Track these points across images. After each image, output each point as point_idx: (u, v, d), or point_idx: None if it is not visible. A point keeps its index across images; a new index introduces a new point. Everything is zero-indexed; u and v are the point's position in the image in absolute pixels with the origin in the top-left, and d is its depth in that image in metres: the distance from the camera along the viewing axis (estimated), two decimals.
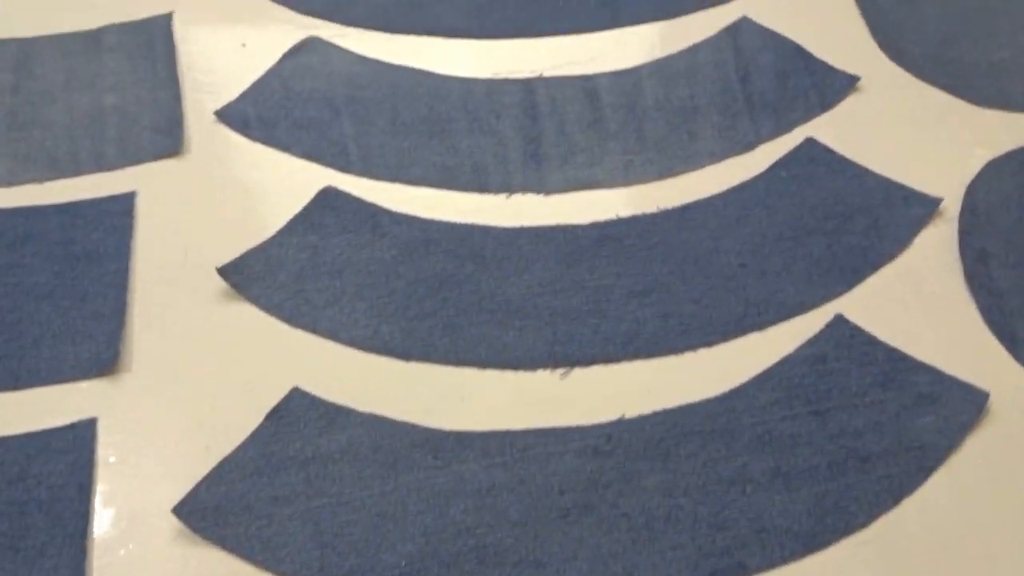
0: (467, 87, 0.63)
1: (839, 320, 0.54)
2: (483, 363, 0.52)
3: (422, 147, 0.60)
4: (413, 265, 0.56)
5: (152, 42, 0.65)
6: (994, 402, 0.50)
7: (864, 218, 0.58)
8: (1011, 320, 0.55)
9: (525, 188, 0.59)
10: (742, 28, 0.66)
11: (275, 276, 0.55)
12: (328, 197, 0.58)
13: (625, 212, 0.58)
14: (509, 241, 0.57)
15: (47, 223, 0.57)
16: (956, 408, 0.49)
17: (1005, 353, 0.53)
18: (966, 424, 0.49)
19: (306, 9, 0.67)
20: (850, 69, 0.64)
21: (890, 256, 0.57)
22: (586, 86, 0.63)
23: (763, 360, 0.53)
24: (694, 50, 0.66)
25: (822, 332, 0.54)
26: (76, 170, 0.59)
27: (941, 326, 0.54)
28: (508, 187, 0.59)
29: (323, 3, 0.67)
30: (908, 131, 0.62)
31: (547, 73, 0.64)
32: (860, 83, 0.64)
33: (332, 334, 0.53)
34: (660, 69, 0.64)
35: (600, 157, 0.60)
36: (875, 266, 0.56)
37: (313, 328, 0.53)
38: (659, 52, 0.66)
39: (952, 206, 0.58)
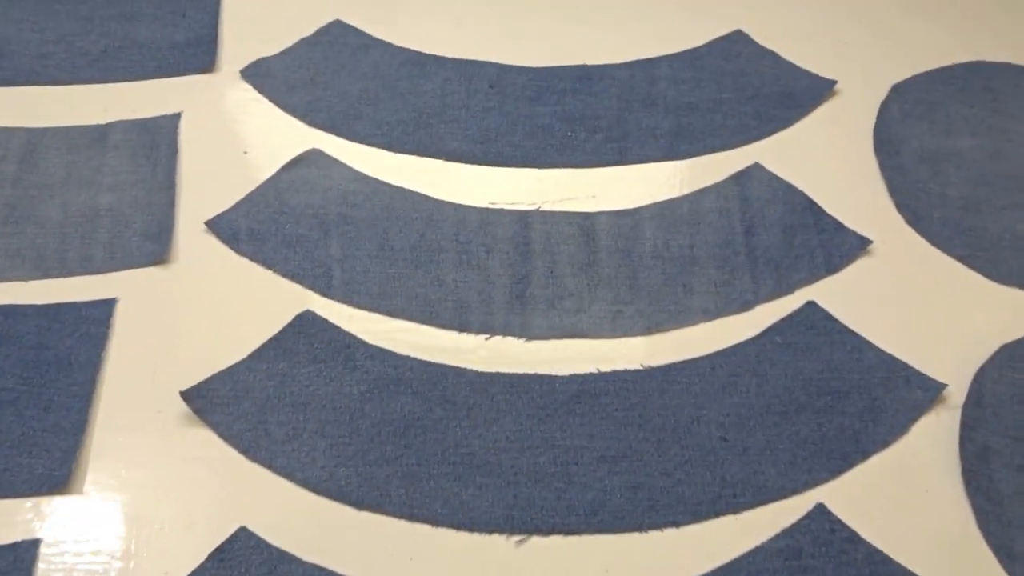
0: (462, 215, 0.62)
1: (820, 511, 0.51)
2: (437, 520, 0.50)
3: (407, 276, 0.59)
4: (381, 404, 0.55)
5: (156, 142, 0.66)
6: None
7: (860, 398, 0.55)
8: (1009, 531, 0.51)
9: (506, 331, 0.57)
10: (752, 176, 0.65)
11: (239, 404, 0.54)
12: (305, 322, 0.57)
13: (607, 367, 0.56)
14: (482, 388, 0.56)
15: (25, 324, 0.57)
16: None
17: (999, 568, 0.50)
18: None
19: (312, 121, 0.67)
20: (863, 229, 0.62)
21: (884, 443, 0.54)
22: (584, 224, 0.62)
23: (733, 548, 0.50)
24: (700, 195, 0.64)
25: (800, 522, 0.51)
26: (62, 271, 0.59)
27: (931, 530, 0.50)
28: (489, 328, 0.58)
29: (329, 116, 0.67)
30: (918, 303, 0.59)
31: (545, 207, 0.63)
32: (872, 246, 0.61)
33: (288, 472, 0.52)
34: (662, 212, 0.63)
35: (588, 304, 0.59)
36: (866, 453, 0.53)
37: (270, 464, 0.52)
38: (664, 194, 0.64)
39: (958, 393, 0.55)
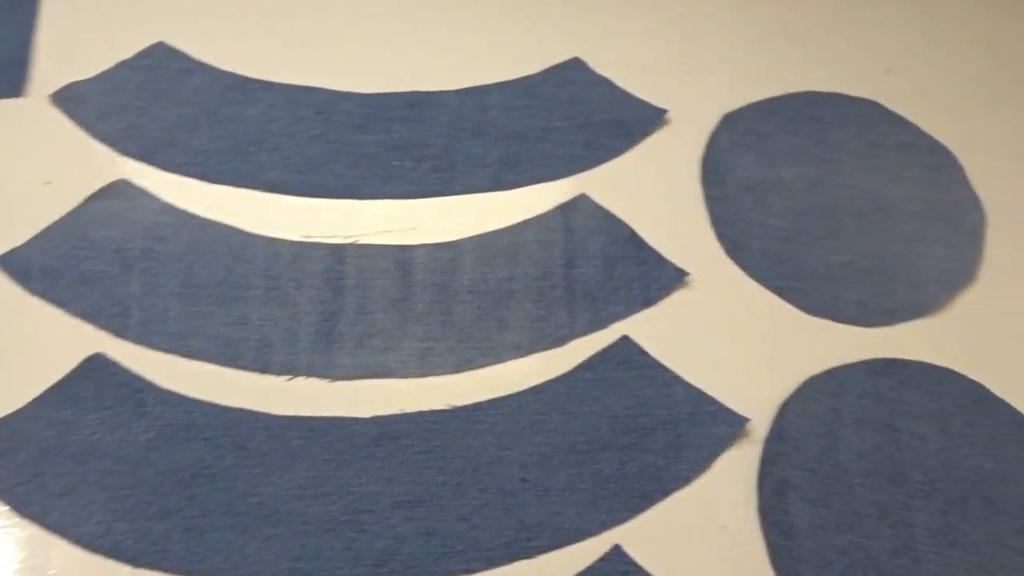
0: (274, 249, 0.61)
1: (616, 553, 0.51)
2: None
3: (210, 315, 0.58)
4: (168, 452, 0.52)
5: None
6: None
7: (665, 434, 0.55)
8: (800, 566, 0.51)
9: (310, 371, 0.56)
10: (578, 207, 0.64)
11: (15, 455, 0.51)
12: (94, 366, 0.55)
13: (412, 407, 0.55)
14: (279, 432, 0.54)
15: None
16: None
17: None
18: None
19: (124, 149, 0.65)
20: (684, 260, 0.62)
21: (685, 480, 0.54)
22: (400, 257, 0.61)
23: None
24: (523, 227, 0.63)
25: (595, 565, 0.51)
26: None
27: (725, 567, 0.50)
28: (292, 369, 0.56)
29: (143, 144, 0.65)
30: (732, 336, 0.59)
31: (363, 239, 0.62)
32: (690, 278, 0.61)
33: (60, 529, 0.49)
34: (482, 245, 0.62)
35: (398, 342, 0.58)
36: (667, 491, 0.53)
37: (42, 520, 0.49)
38: (488, 225, 0.63)
39: (763, 427, 0.56)
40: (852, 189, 0.67)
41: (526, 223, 0.64)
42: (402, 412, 0.55)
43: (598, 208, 0.65)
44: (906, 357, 0.59)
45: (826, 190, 0.66)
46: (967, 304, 0.62)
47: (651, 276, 0.62)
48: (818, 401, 0.58)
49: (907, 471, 0.55)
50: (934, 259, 0.63)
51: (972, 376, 0.58)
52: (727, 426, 0.56)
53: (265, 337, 0.57)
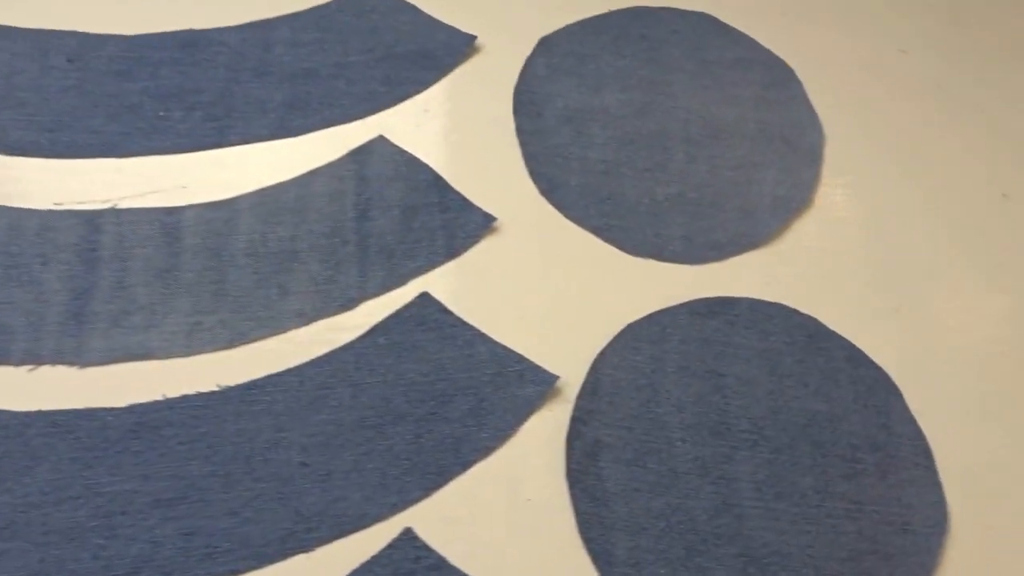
0: (17, 221, 0.53)
1: (406, 537, 0.47)
2: None
3: None
4: None
5: None
6: None
7: (466, 400, 0.50)
8: (612, 534, 0.47)
9: (57, 359, 0.49)
10: (374, 151, 0.58)
11: None
12: None
13: (176, 391, 0.49)
14: (18, 431, 0.47)
15: None
16: None
17: None
18: None
19: None
20: (494, 203, 0.56)
21: (487, 450, 0.49)
22: (167, 221, 0.54)
23: None
24: (310, 178, 0.57)
25: (382, 553, 0.46)
26: None
27: (530, 541, 0.46)
28: (36, 357, 0.49)
29: None
30: (544, 285, 0.54)
31: (123, 203, 0.55)
32: (499, 223, 0.56)
33: None
34: (263, 201, 0.56)
35: (162, 318, 0.51)
36: (466, 464, 0.48)
37: None
38: (270, 179, 0.57)
39: (577, 384, 0.52)
40: (682, 113, 0.61)
41: (314, 173, 0.57)
42: (164, 398, 0.49)
43: (397, 151, 0.58)
44: (735, 295, 0.55)
45: (654, 116, 0.61)
46: (801, 232, 0.57)
47: (456, 224, 0.56)
48: (637, 350, 0.53)
49: (732, 420, 0.51)
50: (768, 184, 0.58)
51: (805, 310, 0.54)
52: (535, 385, 0.51)
53: (4, 323, 0.50)
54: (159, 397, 0.49)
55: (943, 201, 0.59)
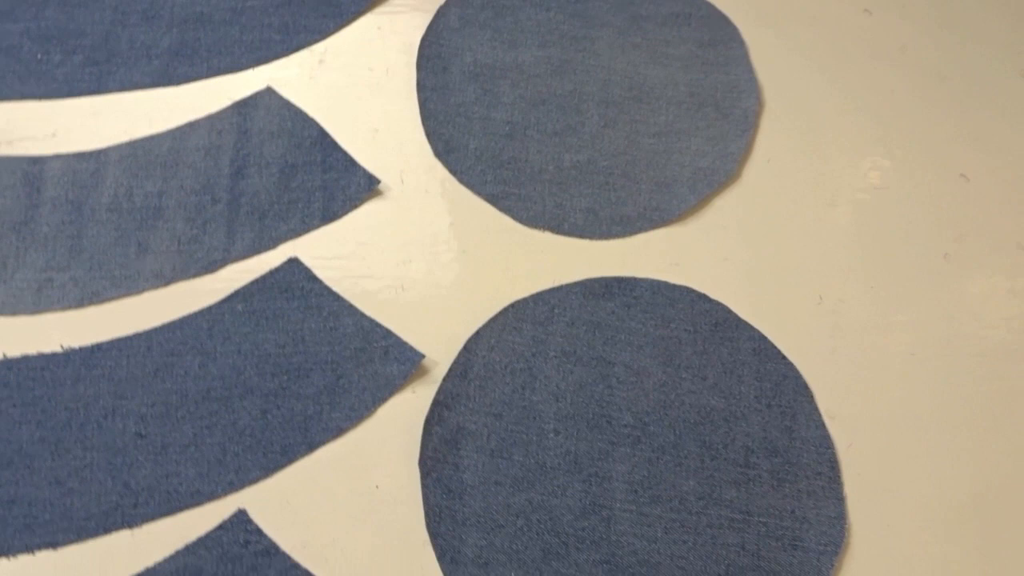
0: None
1: (239, 519, 0.43)
2: None
3: None
4: None
5: None
6: None
7: (324, 376, 0.47)
8: (463, 530, 0.43)
9: None
10: (260, 103, 0.54)
11: None
12: None
13: (17, 351, 0.46)
14: None
15: None
16: None
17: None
18: None
19: None
20: (381, 166, 0.52)
21: (338, 431, 0.45)
22: (29, 171, 0.51)
23: (122, 570, 0.42)
24: (187, 130, 0.53)
25: (210, 534, 0.43)
26: None
27: (370, 532, 0.42)
28: None
29: None
30: (426, 255, 0.50)
31: None
32: (383, 186, 0.52)
33: None
34: (134, 153, 0.52)
35: (11, 273, 0.49)
36: (313, 445, 0.45)
37: None
38: (147, 129, 0.53)
39: (445, 364, 0.49)
40: (604, 72, 0.56)
41: (192, 125, 0.54)
42: (3, 357, 0.47)
43: (284, 104, 0.54)
44: (638, 275, 0.50)
45: (571, 75, 0.56)
46: (722, 209, 0.52)
47: (337, 185, 0.52)
48: (519, 331, 0.49)
49: (615, 413, 0.46)
50: (690, 155, 0.53)
51: (715, 296, 0.49)
52: (400, 364, 0.47)
53: None
54: None
55: (889, 180, 0.53)
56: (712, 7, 0.58)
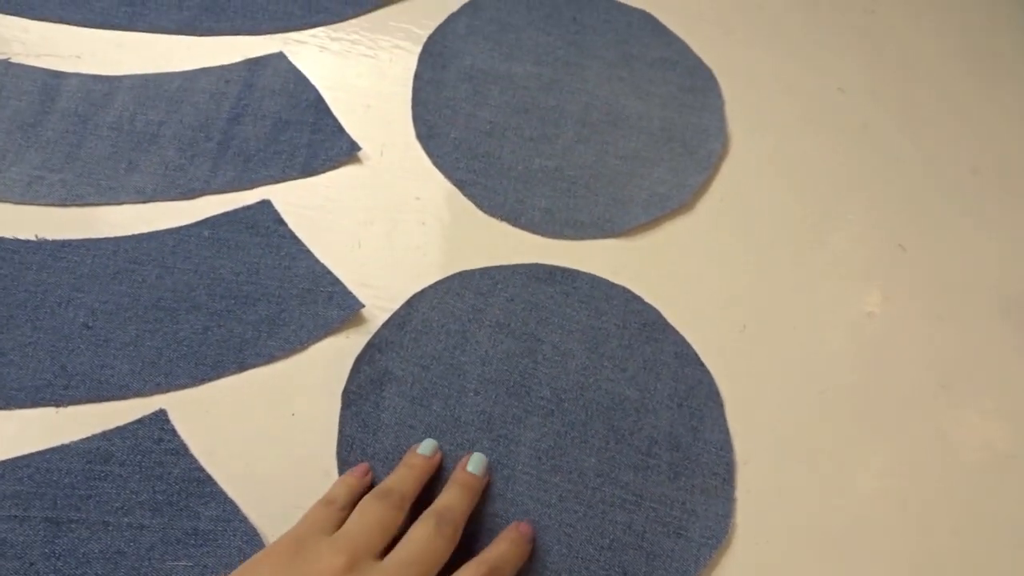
0: None
1: (157, 417, 0.46)
2: None
3: None
4: None
5: None
6: None
7: (268, 307, 0.50)
8: (368, 463, 0.46)
9: None
10: (270, 64, 0.59)
11: None
12: None
13: None
14: None
15: None
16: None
17: None
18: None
19: None
20: (365, 137, 0.57)
21: (270, 358, 0.48)
22: (49, 83, 0.57)
23: (39, 442, 0.44)
24: (199, 74, 0.59)
25: (128, 426, 0.45)
26: None
27: (280, 455, 0.45)
28: None
29: None
30: (386, 219, 0.54)
31: (16, 59, 0.57)
32: (362, 154, 0.56)
33: None
34: (146, 85, 0.58)
35: (8, 166, 0.53)
36: (243, 366, 0.48)
37: None
38: (164, 67, 0.59)
39: (383, 318, 0.51)
40: (587, 96, 0.61)
41: (205, 71, 0.59)
42: None
43: (291, 68, 0.60)
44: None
45: (557, 93, 0.61)
46: (670, 232, 0.55)
47: (321, 145, 0.57)
48: (461, 297, 0.52)
49: (534, 386, 0.49)
50: (650, 180, 0.57)
51: (649, 301, 0.53)
52: (340, 309, 0.50)
53: None
54: None
55: (828, 237, 0.57)
56: (699, 60, 0.64)
